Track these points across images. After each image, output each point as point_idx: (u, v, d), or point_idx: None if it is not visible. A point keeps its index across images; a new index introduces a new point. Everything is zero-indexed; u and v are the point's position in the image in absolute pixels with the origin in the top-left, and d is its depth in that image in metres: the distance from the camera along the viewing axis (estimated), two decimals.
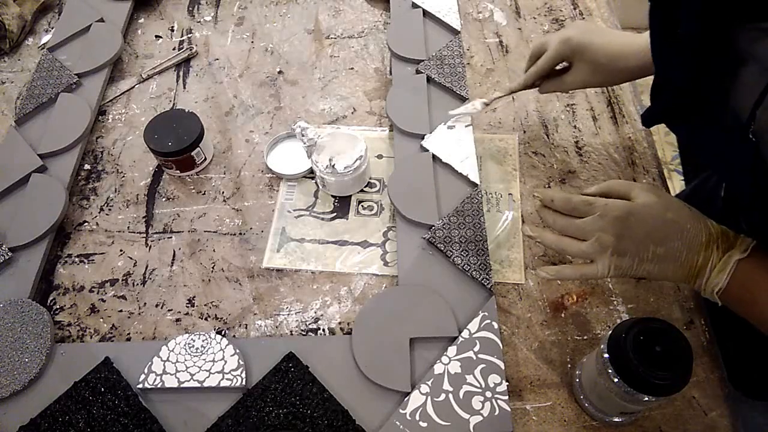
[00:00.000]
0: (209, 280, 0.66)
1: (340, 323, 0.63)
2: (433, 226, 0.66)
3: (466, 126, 0.74)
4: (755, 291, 0.48)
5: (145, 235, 0.70)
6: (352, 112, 0.81)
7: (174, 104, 0.83)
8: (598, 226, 0.51)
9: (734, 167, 0.46)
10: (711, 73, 0.44)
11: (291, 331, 0.62)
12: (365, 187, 0.73)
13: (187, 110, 0.75)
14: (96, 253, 0.69)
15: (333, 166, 0.68)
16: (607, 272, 0.51)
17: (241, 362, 0.57)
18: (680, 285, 0.63)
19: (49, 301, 0.65)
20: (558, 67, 0.67)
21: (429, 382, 0.56)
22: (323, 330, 0.62)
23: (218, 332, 0.62)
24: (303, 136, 0.69)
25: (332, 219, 0.70)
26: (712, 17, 0.42)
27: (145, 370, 0.57)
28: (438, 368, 0.56)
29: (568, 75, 0.65)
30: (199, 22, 0.94)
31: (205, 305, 0.64)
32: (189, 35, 0.92)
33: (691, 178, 0.79)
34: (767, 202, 0.43)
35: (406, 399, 0.55)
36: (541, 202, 0.56)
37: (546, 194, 0.55)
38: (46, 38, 0.93)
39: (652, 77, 0.55)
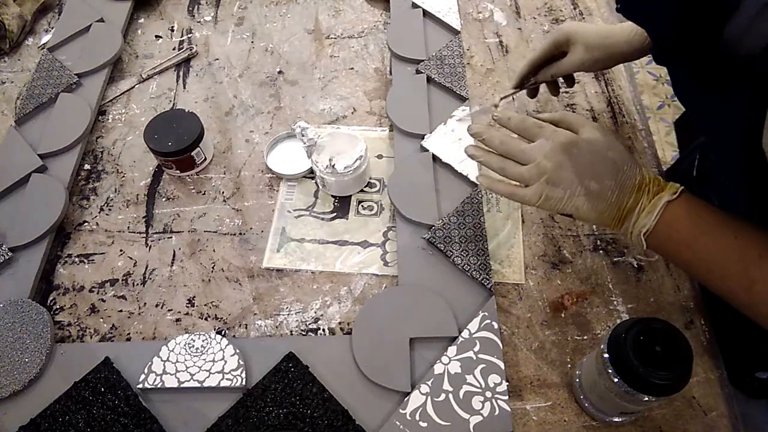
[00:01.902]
0: (209, 280, 0.66)
1: (340, 323, 0.63)
2: (433, 226, 0.66)
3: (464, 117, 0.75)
4: (681, 232, 0.49)
5: (145, 235, 0.70)
6: (352, 112, 0.81)
7: (174, 104, 0.83)
8: (542, 152, 0.52)
9: (731, 108, 0.45)
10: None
11: (291, 331, 0.62)
12: (365, 187, 0.73)
13: (187, 110, 0.75)
14: (96, 253, 0.69)
15: (333, 166, 0.68)
16: (536, 200, 0.53)
17: (241, 362, 0.57)
18: (679, 283, 0.63)
19: (49, 301, 0.65)
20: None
21: (429, 382, 0.56)
22: (323, 330, 0.62)
23: (218, 332, 0.62)
24: (303, 136, 0.69)
25: (332, 219, 0.70)
26: None
27: (145, 370, 0.57)
28: (438, 368, 0.56)
29: (565, 58, 0.68)
30: (199, 22, 0.94)
31: (205, 305, 0.64)
32: (189, 35, 0.92)
33: None
34: (741, 157, 0.43)
35: (406, 399, 0.55)
36: (497, 120, 0.58)
37: (504, 113, 0.58)
38: (46, 38, 0.93)
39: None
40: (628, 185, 0.50)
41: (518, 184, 0.55)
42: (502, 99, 0.73)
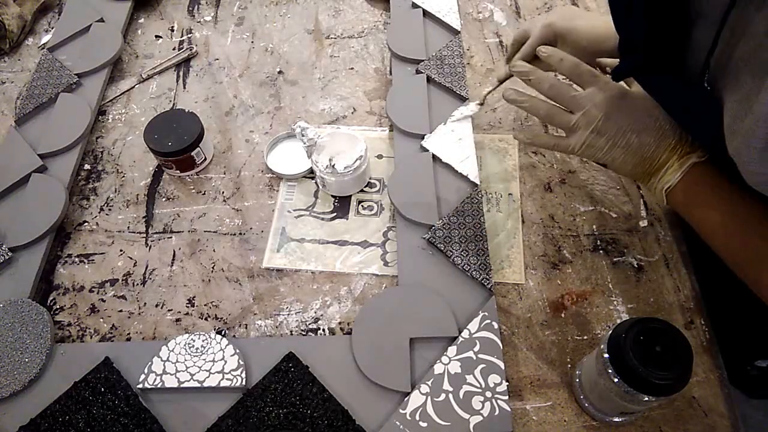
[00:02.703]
0: (209, 280, 0.66)
1: (340, 323, 0.63)
2: (433, 226, 0.66)
3: (465, 117, 0.75)
4: (700, 193, 0.50)
5: (145, 235, 0.70)
6: (352, 112, 0.81)
7: (174, 104, 0.83)
8: (593, 100, 0.53)
9: (698, 119, 0.49)
10: (667, 26, 0.46)
11: (291, 331, 0.62)
12: (365, 187, 0.73)
13: (187, 110, 0.75)
14: (96, 253, 0.69)
15: (333, 166, 0.68)
16: (579, 147, 0.53)
17: (241, 362, 0.57)
18: (679, 283, 0.63)
19: (49, 301, 0.65)
20: None
21: (429, 382, 0.56)
22: (323, 330, 0.62)
23: (218, 332, 0.62)
24: (303, 136, 0.69)
25: (332, 219, 0.70)
26: None
27: (145, 370, 0.57)
28: (438, 368, 0.56)
29: None
30: (199, 22, 0.94)
31: (205, 305, 0.64)
32: (189, 35, 0.92)
33: None
34: (726, 152, 0.45)
35: (406, 399, 0.55)
36: (546, 59, 0.57)
37: (556, 53, 0.56)
38: (46, 38, 0.93)
39: None
40: (664, 143, 0.51)
41: (560, 133, 0.55)
42: (488, 94, 0.72)
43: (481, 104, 0.74)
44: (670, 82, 0.50)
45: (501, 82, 0.71)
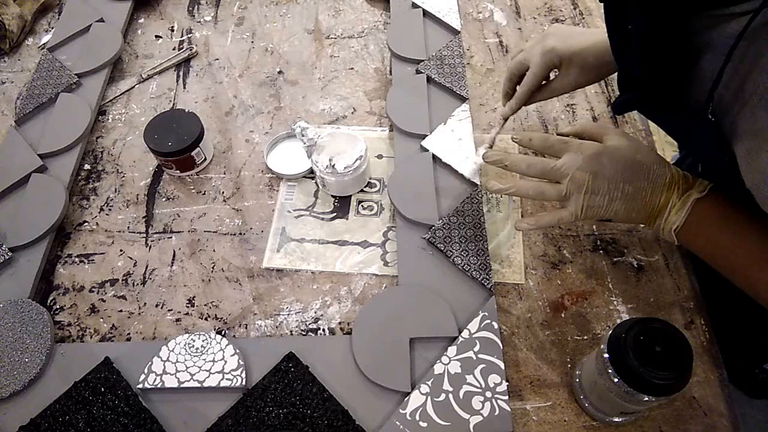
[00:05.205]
0: (209, 280, 0.66)
1: (340, 323, 0.63)
2: (433, 226, 0.66)
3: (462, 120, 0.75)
4: (709, 228, 0.51)
5: (145, 235, 0.70)
6: (352, 112, 0.81)
7: (174, 104, 0.83)
8: (574, 165, 0.53)
9: (702, 146, 0.50)
10: (668, 63, 0.46)
11: (291, 331, 0.62)
12: (365, 187, 0.73)
13: (187, 110, 0.75)
14: (96, 253, 0.69)
15: (333, 166, 0.68)
16: (580, 212, 0.54)
17: (241, 362, 0.57)
18: (679, 283, 0.63)
19: (49, 301, 0.65)
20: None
21: (429, 382, 0.56)
22: (323, 330, 0.62)
23: (218, 332, 0.62)
24: (303, 136, 0.69)
25: (332, 219, 0.70)
26: (660, 11, 0.43)
27: (145, 370, 0.57)
28: (438, 368, 0.56)
29: (556, 81, 0.64)
30: (199, 22, 0.94)
31: (205, 305, 0.64)
32: (189, 35, 0.92)
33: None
34: (734, 175, 0.45)
35: (406, 399, 0.55)
36: (518, 143, 0.59)
37: (524, 135, 0.58)
38: (46, 38, 0.93)
39: None
40: (659, 184, 0.52)
41: (556, 205, 0.56)
42: (496, 135, 0.67)
43: (491, 146, 0.68)
44: (672, 113, 0.50)
45: (506, 120, 0.67)
